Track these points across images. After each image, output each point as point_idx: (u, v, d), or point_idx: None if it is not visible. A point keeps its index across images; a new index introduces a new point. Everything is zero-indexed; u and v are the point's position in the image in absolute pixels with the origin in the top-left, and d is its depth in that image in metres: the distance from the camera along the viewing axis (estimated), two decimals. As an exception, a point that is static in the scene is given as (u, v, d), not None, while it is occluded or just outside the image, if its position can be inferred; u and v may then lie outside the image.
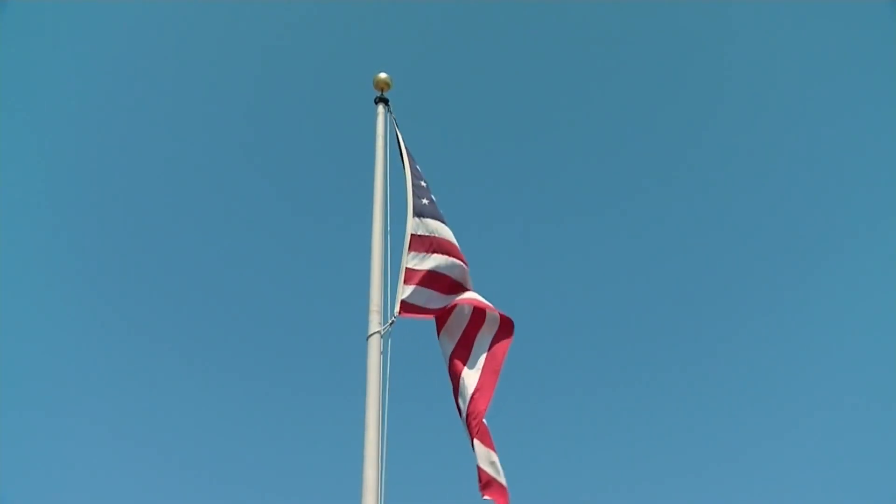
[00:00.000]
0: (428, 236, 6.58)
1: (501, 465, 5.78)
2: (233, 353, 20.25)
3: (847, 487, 16.48)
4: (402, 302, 6.13)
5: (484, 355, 6.30)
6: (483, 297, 6.58)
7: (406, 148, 7.24)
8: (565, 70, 23.43)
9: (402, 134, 7.39)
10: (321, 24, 22.44)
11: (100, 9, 19.14)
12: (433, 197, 7.03)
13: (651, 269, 21.82)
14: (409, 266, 6.31)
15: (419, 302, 6.25)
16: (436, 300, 6.39)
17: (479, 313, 6.48)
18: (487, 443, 5.81)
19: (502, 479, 5.73)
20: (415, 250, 6.44)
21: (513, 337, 6.40)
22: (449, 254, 6.60)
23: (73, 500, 16.27)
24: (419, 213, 6.66)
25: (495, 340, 6.39)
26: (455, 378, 6.21)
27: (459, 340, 6.42)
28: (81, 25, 19.52)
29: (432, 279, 6.41)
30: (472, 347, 6.38)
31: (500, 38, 23.32)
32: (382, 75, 7.53)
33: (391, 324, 5.98)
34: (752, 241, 21.48)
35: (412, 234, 6.49)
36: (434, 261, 6.49)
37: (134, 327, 19.63)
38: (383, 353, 5.84)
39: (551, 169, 22.95)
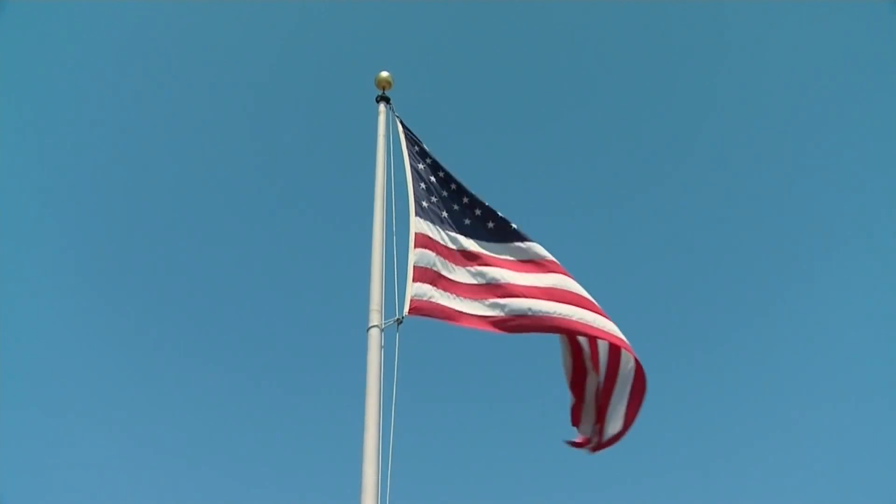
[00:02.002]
0: (434, 239, 6.55)
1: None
2: (234, 351, 20.32)
3: (846, 486, 16.49)
4: (413, 300, 6.08)
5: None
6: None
7: (410, 146, 7.19)
8: (566, 68, 23.46)
9: (409, 130, 7.38)
10: (322, 24, 22.48)
11: (100, 9, 19.17)
12: (456, 190, 7.03)
13: (650, 268, 21.82)
14: (416, 265, 6.27)
15: (432, 299, 6.19)
16: (455, 302, 6.31)
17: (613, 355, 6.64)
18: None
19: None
20: (421, 248, 6.39)
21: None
22: (472, 262, 6.63)
23: (73, 500, 16.29)
24: (422, 215, 6.64)
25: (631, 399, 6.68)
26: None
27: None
28: (81, 25, 19.55)
29: (446, 282, 6.38)
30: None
31: (501, 37, 23.37)
32: (384, 74, 7.53)
33: (398, 321, 5.92)
34: (752, 241, 21.49)
35: (416, 233, 6.46)
36: (437, 260, 6.44)
37: (134, 325, 19.68)
38: (384, 347, 5.81)
39: (550, 167, 22.99)
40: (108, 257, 20.28)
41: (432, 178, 7.07)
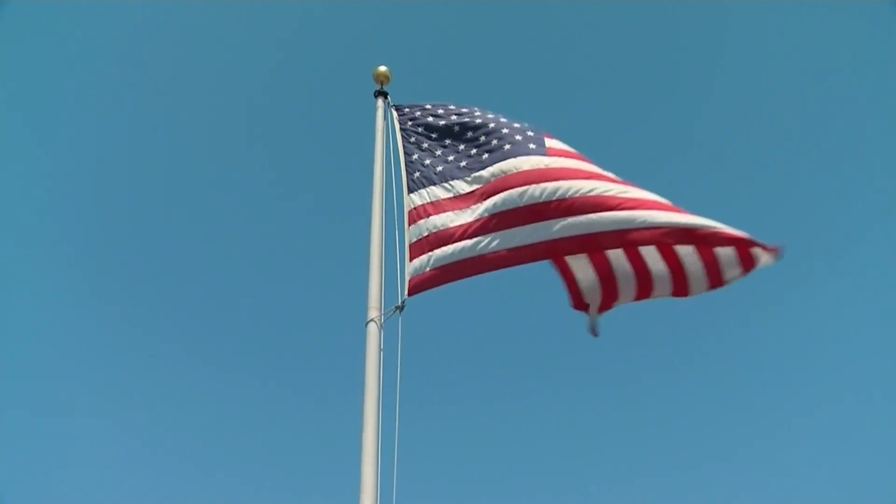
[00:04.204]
0: (423, 205, 6.44)
1: None
2: (232, 348, 20.29)
3: (846, 486, 16.46)
4: (410, 281, 6.02)
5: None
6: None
7: (404, 123, 7.12)
8: (564, 64, 23.46)
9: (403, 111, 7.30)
10: (320, 19, 22.48)
11: (100, 9, 19.18)
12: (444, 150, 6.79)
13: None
14: (411, 242, 6.23)
15: (429, 268, 6.08)
16: (451, 255, 6.12)
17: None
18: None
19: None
20: (414, 223, 6.34)
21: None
22: (471, 200, 6.33)
23: (73, 500, 16.28)
24: (413, 188, 6.58)
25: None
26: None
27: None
28: (81, 25, 19.56)
29: (438, 239, 6.21)
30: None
31: (499, 31, 23.36)
32: (382, 68, 7.49)
33: (399, 308, 5.90)
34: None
35: (409, 211, 6.42)
36: (434, 221, 6.31)
37: (132, 324, 19.67)
38: (382, 343, 5.79)
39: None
40: (107, 256, 20.31)
41: (425, 145, 6.92)
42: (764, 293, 20.66)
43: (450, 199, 6.42)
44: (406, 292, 5.97)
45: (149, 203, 21.00)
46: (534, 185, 6.17)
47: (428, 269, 6.09)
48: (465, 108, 7.13)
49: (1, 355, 15.56)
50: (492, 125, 6.82)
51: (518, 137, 6.58)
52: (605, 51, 23.39)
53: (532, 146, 6.48)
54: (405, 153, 6.87)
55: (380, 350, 5.75)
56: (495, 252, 6.10)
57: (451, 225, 6.25)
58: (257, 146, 22.18)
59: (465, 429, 19.01)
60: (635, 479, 17.95)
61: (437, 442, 18.09)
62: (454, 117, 7.01)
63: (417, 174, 6.69)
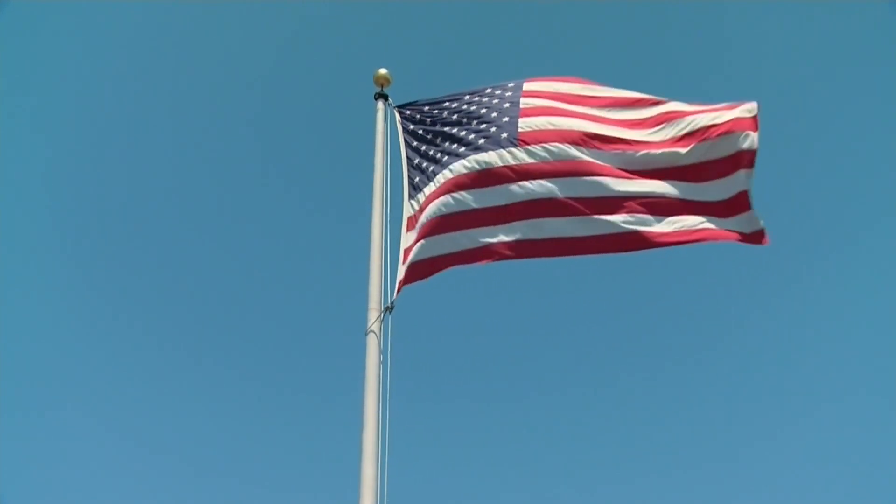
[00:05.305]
0: (419, 209, 6.51)
1: None
2: (232, 349, 20.26)
3: (846, 486, 16.49)
4: (399, 282, 6.12)
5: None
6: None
7: (406, 125, 7.16)
8: (565, 64, 23.46)
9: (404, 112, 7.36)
10: (320, 20, 22.48)
11: (100, 9, 19.18)
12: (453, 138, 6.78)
13: (643, 267, 21.81)
14: (405, 246, 6.29)
15: (419, 258, 6.18)
16: (435, 248, 6.25)
17: None
18: None
19: None
20: (411, 229, 6.40)
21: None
22: (455, 189, 6.39)
23: (73, 500, 16.30)
24: (412, 194, 6.64)
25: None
26: None
27: None
28: (81, 25, 19.56)
29: (430, 229, 6.29)
30: None
31: (500, 32, 23.34)
32: (382, 71, 7.49)
33: (388, 309, 5.97)
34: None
35: (408, 218, 6.49)
36: (426, 214, 6.36)
37: (133, 325, 19.64)
38: (382, 348, 5.84)
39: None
40: (107, 256, 20.28)
41: (424, 147, 6.95)
42: (763, 293, 20.72)
43: (433, 193, 6.52)
44: (395, 293, 6.09)
45: (149, 204, 21.00)
46: (501, 185, 6.31)
47: (411, 263, 6.20)
48: (457, 99, 7.18)
49: (1, 355, 15.58)
50: (473, 119, 6.87)
51: (493, 129, 6.63)
52: (607, 51, 23.41)
53: (504, 135, 6.55)
54: (408, 158, 6.90)
55: (380, 350, 5.81)
56: (476, 248, 6.25)
57: (444, 219, 6.36)
58: (257, 149, 22.18)
59: (466, 428, 19.04)
60: (635, 479, 17.97)
61: (439, 441, 18.13)
62: (446, 114, 7.09)
63: (417, 178, 6.73)
